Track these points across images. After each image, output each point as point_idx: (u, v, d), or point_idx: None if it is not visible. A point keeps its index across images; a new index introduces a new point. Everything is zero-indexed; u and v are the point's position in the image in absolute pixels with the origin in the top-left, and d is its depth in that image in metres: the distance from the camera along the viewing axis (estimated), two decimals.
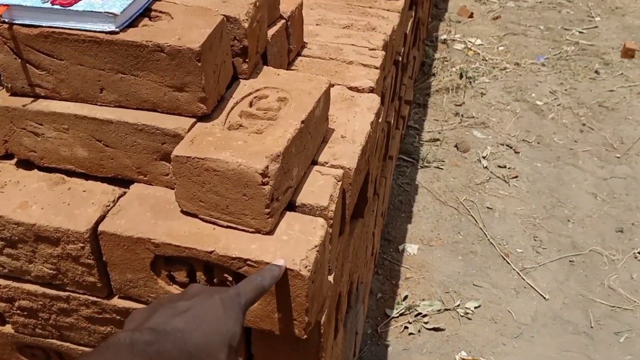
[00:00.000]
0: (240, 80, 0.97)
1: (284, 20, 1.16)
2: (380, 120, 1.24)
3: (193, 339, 0.51)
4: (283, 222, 0.85)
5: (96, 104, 0.87)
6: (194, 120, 0.86)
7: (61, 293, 0.93)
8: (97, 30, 0.80)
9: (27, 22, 0.81)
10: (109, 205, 0.87)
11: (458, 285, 2.48)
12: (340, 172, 0.95)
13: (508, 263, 2.61)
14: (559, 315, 2.38)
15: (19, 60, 0.84)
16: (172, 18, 0.86)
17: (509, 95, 3.86)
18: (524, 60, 4.24)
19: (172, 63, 0.81)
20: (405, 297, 2.40)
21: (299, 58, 1.31)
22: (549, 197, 3.03)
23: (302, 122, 0.87)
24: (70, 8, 0.79)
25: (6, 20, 0.81)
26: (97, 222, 0.84)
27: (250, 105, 0.91)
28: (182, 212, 0.85)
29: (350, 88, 1.21)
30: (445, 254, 2.65)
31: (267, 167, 0.77)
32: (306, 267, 0.79)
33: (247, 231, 0.82)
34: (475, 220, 2.83)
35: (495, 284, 2.51)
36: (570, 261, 2.65)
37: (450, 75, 3.96)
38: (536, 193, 3.06)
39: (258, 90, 0.94)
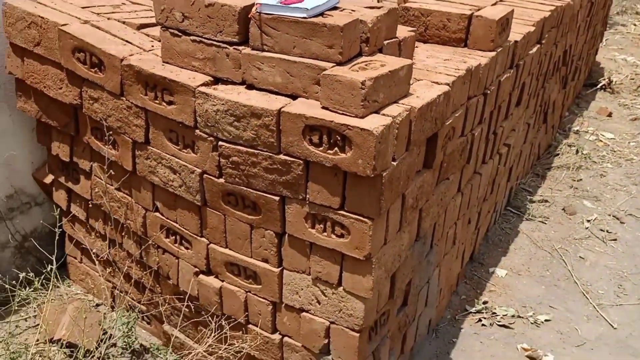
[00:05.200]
0: (363, 56, 1.89)
1: (397, 39, 2.08)
2: (450, 99, 2.08)
3: None
4: (369, 117, 1.72)
5: (289, 55, 1.83)
6: (335, 64, 1.79)
7: (255, 151, 1.87)
8: (296, 15, 1.78)
9: (265, 11, 1.82)
10: (289, 103, 1.81)
11: (535, 304, 3.04)
12: (409, 107, 1.80)
13: (587, 298, 3.10)
14: (622, 341, 2.82)
15: (259, 31, 1.85)
16: (343, 10, 1.83)
17: (628, 180, 4.35)
18: None
19: (329, 33, 1.75)
20: (485, 302, 3.01)
21: None
22: None
23: (390, 72, 1.76)
24: (298, 5, 1.77)
25: (258, 11, 1.83)
26: (280, 108, 1.78)
27: (366, 64, 1.82)
28: (322, 107, 1.76)
29: (432, 82, 2.08)
30: (530, 282, 3.22)
31: (364, 80, 1.66)
32: (375, 129, 1.64)
33: (351, 115, 1.70)
34: (565, 263, 3.37)
35: (569, 309, 3.02)
36: None
37: (574, 155, 4.55)
38: (631, 255, 3.51)
39: (371, 60, 1.85)
